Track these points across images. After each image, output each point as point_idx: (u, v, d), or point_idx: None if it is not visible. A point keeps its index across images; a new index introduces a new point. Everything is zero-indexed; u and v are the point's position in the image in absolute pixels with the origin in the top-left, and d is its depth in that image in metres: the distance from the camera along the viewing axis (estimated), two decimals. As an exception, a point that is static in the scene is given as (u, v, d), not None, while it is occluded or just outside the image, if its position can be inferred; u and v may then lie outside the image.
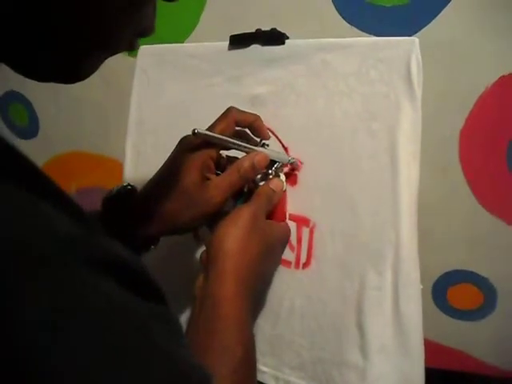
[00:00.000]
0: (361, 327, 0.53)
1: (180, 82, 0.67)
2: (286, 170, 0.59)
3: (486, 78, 0.67)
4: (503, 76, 0.66)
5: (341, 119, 0.56)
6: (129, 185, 0.59)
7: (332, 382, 0.54)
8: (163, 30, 0.81)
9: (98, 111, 0.94)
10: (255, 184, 0.57)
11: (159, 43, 0.70)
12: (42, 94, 0.97)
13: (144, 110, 0.71)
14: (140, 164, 0.71)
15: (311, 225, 0.57)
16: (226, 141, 0.54)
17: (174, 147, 0.67)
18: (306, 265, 0.57)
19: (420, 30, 0.67)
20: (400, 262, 0.52)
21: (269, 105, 0.61)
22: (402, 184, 0.52)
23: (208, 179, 0.54)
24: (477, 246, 0.75)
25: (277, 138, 0.60)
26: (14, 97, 1.00)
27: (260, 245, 0.50)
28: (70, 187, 1.06)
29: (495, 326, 0.77)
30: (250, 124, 0.57)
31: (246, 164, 0.53)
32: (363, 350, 0.52)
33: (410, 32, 0.67)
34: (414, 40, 0.53)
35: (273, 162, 0.56)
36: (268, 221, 0.55)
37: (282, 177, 0.58)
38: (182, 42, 0.79)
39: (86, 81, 0.96)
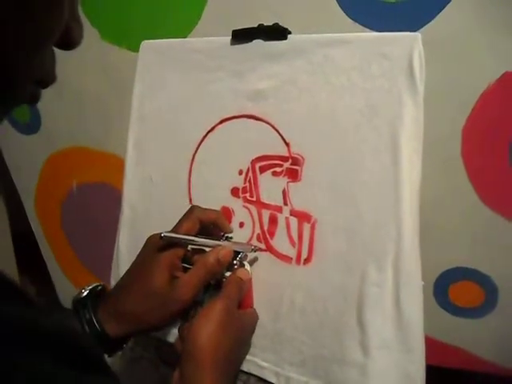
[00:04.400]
0: (361, 323, 0.53)
1: (182, 76, 0.67)
2: (249, 257, 0.61)
3: (489, 75, 0.67)
4: (506, 72, 0.66)
5: (343, 114, 0.56)
6: (99, 285, 0.60)
7: (333, 378, 0.54)
8: (166, 25, 0.81)
9: (100, 106, 0.93)
10: (221, 274, 0.58)
11: (162, 38, 0.70)
12: (44, 90, 0.97)
13: (146, 105, 0.71)
14: (141, 160, 0.71)
15: (312, 220, 0.57)
16: (192, 240, 0.58)
17: (176, 143, 0.67)
18: (307, 261, 0.57)
19: (423, 26, 0.67)
20: (401, 259, 0.52)
21: (271, 100, 0.61)
22: (403, 179, 0.52)
23: (176, 277, 0.56)
24: (478, 243, 0.74)
25: (278, 133, 0.60)
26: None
27: (234, 337, 0.52)
28: (71, 183, 1.06)
29: (496, 324, 0.77)
30: (213, 221, 0.60)
31: (212, 259, 0.56)
32: (364, 346, 0.52)
33: (413, 28, 0.66)
34: (417, 35, 0.53)
35: (237, 252, 0.58)
36: (239, 311, 0.56)
37: (247, 266, 0.59)
38: (185, 37, 0.79)
39: (88, 76, 0.97)
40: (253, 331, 0.59)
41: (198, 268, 0.56)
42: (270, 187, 0.60)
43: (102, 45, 0.88)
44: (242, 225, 0.62)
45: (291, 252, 0.58)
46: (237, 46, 0.63)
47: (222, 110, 0.64)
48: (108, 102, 0.92)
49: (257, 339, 0.60)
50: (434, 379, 0.56)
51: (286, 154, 0.59)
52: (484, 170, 0.71)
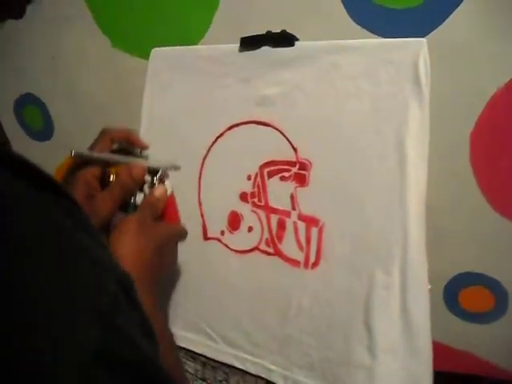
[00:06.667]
0: (369, 327, 0.53)
1: (191, 83, 0.68)
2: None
3: (497, 80, 0.66)
4: (514, 78, 0.66)
5: (350, 120, 0.57)
6: None
7: (340, 381, 0.55)
8: (176, 32, 0.82)
9: (112, 113, 0.94)
10: (144, 193, 0.59)
11: (172, 46, 0.71)
12: (57, 97, 0.99)
13: (156, 111, 0.72)
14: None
15: (320, 225, 0.58)
16: (103, 157, 0.58)
17: (185, 148, 0.68)
18: (314, 264, 0.58)
19: (431, 31, 0.67)
20: (408, 262, 0.52)
21: (278, 106, 0.61)
22: (409, 184, 0.53)
23: (93, 196, 0.57)
24: (488, 248, 0.74)
25: (286, 138, 0.60)
26: (29, 99, 1.01)
27: (150, 245, 0.52)
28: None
29: (507, 329, 0.77)
30: (125, 138, 0.61)
31: (125, 177, 0.57)
32: (371, 349, 0.53)
33: (420, 34, 0.66)
34: (422, 41, 0.53)
35: (157, 170, 0.59)
36: (157, 223, 0.57)
37: (167, 182, 0.60)
38: (195, 45, 0.80)
39: (100, 83, 0.97)
40: (175, 242, 0.59)
41: (113, 186, 0.57)
42: (279, 192, 0.61)
43: (113, 52, 0.89)
44: (250, 229, 0.63)
45: (299, 256, 0.59)
46: (245, 53, 0.64)
47: (230, 116, 0.65)
48: (119, 108, 0.93)
49: (265, 342, 0.60)
50: (444, 384, 0.56)
51: (294, 159, 0.60)
52: (493, 174, 0.71)
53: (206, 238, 0.66)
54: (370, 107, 0.56)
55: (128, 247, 0.50)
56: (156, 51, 0.72)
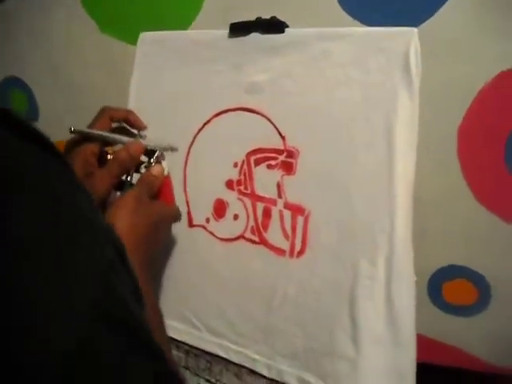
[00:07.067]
0: (353, 317, 0.53)
1: (179, 68, 0.67)
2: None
3: (486, 74, 0.67)
4: (502, 72, 0.66)
5: (338, 108, 0.56)
6: None
7: (323, 371, 0.55)
8: (165, 17, 0.81)
9: (99, 98, 0.93)
10: (140, 174, 0.59)
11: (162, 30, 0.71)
12: (42, 80, 0.97)
13: (143, 96, 0.71)
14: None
15: (306, 213, 0.57)
16: (101, 135, 0.58)
17: (172, 135, 0.68)
18: (300, 253, 0.58)
19: (421, 23, 0.67)
20: (393, 253, 0.52)
21: (267, 93, 0.61)
22: (397, 174, 0.52)
23: (91, 173, 0.57)
24: (473, 242, 0.74)
25: (274, 126, 0.60)
26: (14, 82, 0.99)
27: (145, 221, 0.53)
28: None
29: (489, 322, 0.77)
30: (124, 118, 0.62)
31: (123, 154, 0.57)
32: (355, 340, 0.53)
33: (410, 25, 0.66)
34: (413, 30, 0.53)
35: (154, 151, 0.59)
36: (152, 201, 0.57)
37: (164, 163, 0.60)
38: (185, 30, 0.79)
39: (87, 68, 0.96)
40: (169, 222, 0.59)
41: (111, 163, 0.58)
42: (265, 180, 0.60)
43: (101, 37, 0.88)
44: (236, 217, 0.62)
45: (284, 245, 0.59)
46: (234, 39, 0.63)
47: (218, 103, 0.64)
48: (107, 94, 0.92)
49: (249, 331, 0.60)
50: (427, 377, 0.56)
51: (282, 147, 0.59)
52: (480, 169, 0.71)
53: (190, 225, 0.66)
54: (359, 96, 0.55)
55: (123, 221, 0.51)
56: (145, 35, 0.71)
